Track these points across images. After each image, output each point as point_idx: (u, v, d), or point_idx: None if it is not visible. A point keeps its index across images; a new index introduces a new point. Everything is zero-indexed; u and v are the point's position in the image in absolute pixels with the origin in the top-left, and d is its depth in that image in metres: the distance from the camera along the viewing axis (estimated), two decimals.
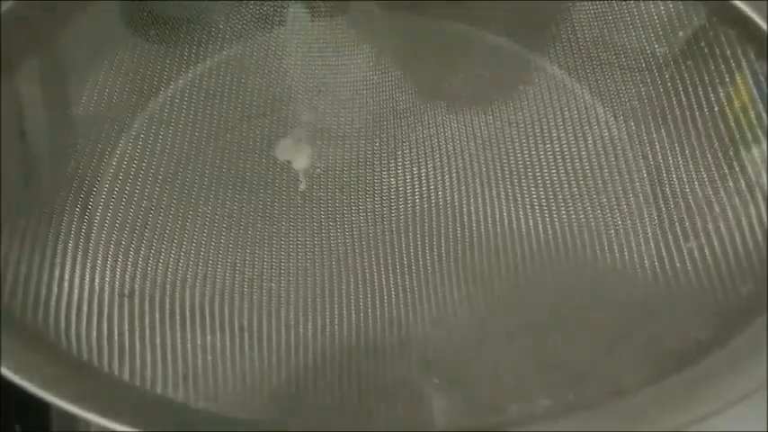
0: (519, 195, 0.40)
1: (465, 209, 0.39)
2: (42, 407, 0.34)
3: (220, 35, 0.43)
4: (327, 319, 0.33)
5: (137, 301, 0.31)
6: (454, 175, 0.41)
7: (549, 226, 0.38)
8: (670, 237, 0.34)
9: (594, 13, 0.42)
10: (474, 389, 0.29)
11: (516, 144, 0.42)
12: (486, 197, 0.40)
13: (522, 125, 0.42)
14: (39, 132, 0.34)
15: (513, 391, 0.28)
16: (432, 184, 0.41)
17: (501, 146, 0.42)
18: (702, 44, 0.37)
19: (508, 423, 0.25)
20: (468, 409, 0.28)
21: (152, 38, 0.41)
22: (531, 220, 0.38)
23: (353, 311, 0.33)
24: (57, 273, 0.30)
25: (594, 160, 0.40)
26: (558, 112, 0.42)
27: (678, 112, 0.38)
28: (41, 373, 0.21)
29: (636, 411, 0.24)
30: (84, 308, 0.29)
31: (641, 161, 0.39)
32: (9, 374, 0.21)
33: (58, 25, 0.36)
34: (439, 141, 0.42)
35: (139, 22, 0.41)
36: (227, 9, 0.43)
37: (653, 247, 0.35)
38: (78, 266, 0.31)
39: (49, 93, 0.36)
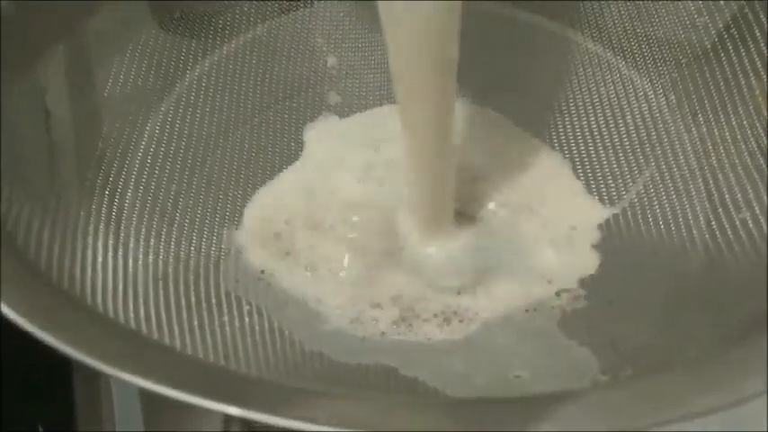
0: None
1: None
2: (67, 407, 0.34)
3: (245, 17, 0.42)
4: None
5: (171, 284, 0.30)
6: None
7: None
8: (720, 209, 0.33)
9: None
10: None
11: (552, 121, 0.41)
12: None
13: (557, 102, 0.41)
14: (66, 116, 0.34)
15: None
16: None
17: (537, 125, 0.41)
18: (747, 11, 0.36)
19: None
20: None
21: (177, 20, 0.40)
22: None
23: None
24: (90, 255, 0.29)
25: (635, 135, 0.39)
26: (594, 88, 0.41)
27: (722, 82, 0.36)
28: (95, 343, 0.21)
29: (693, 384, 0.23)
30: (120, 290, 0.28)
31: (685, 134, 0.37)
32: (68, 349, 0.20)
33: (83, 11, 0.36)
34: (473, 122, 0.41)
35: (164, 6, 0.40)
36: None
37: (702, 220, 0.33)
38: (111, 249, 0.30)
39: (76, 77, 0.35)
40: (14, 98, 0.31)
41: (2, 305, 0.21)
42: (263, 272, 0.34)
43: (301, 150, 0.40)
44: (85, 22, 0.36)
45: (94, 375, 0.34)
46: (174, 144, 0.37)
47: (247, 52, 0.41)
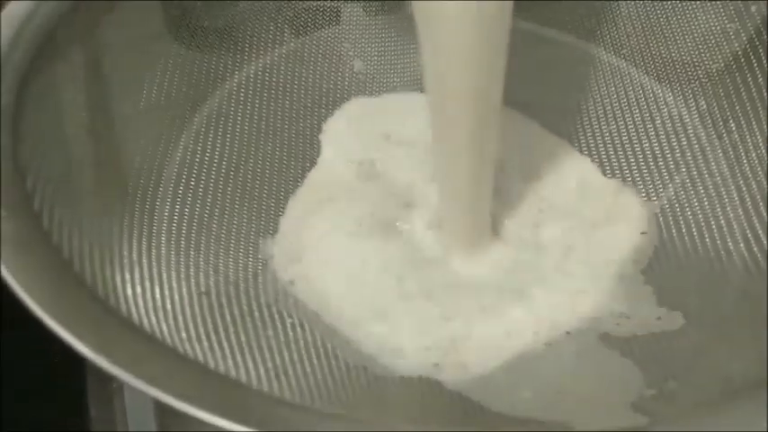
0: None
1: None
2: (80, 408, 0.34)
3: (271, 32, 0.42)
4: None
5: (214, 299, 0.31)
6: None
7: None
8: (755, 217, 0.33)
9: None
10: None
11: (580, 128, 0.41)
12: None
13: (586, 109, 0.41)
14: (102, 131, 0.34)
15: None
16: None
17: (566, 130, 0.41)
18: None
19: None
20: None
21: (206, 30, 0.40)
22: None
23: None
24: (137, 272, 0.29)
25: (665, 141, 0.39)
26: (624, 96, 0.41)
27: (754, 88, 0.36)
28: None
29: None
30: (169, 307, 0.28)
31: (716, 140, 0.37)
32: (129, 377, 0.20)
33: (112, 24, 0.36)
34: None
35: (192, 17, 0.40)
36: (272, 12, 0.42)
37: (736, 228, 0.34)
38: (155, 264, 0.30)
39: (110, 91, 0.35)
40: (48, 112, 0.32)
41: (68, 336, 0.21)
42: (292, 282, 0.34)
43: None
44: (114, 35, 0.36)
45: (107, 376, 0.34)
46: (207, 154, 0.37)
47: (281, 65, 0.42)
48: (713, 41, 0.39)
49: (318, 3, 0.44)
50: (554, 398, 0.28)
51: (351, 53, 0.44)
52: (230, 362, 0.26)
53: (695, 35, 0.40)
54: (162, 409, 0.33)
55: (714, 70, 0.39)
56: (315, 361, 0.29)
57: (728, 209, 0.35)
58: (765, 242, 0.32)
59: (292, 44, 0.42)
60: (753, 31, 0.38)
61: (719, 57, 0.39)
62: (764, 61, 0.37)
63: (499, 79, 0.29)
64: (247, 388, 0.24)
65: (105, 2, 0.35)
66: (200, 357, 0.25)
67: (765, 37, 0.37)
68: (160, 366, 0.21)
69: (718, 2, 0.39)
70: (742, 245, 0.33)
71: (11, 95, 0.28)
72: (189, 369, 0.23)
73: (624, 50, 0.42)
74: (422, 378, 0.29)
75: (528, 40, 0.41)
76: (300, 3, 0.43)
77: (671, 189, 0.37)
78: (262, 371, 0.26)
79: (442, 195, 0.34)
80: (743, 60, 0.38)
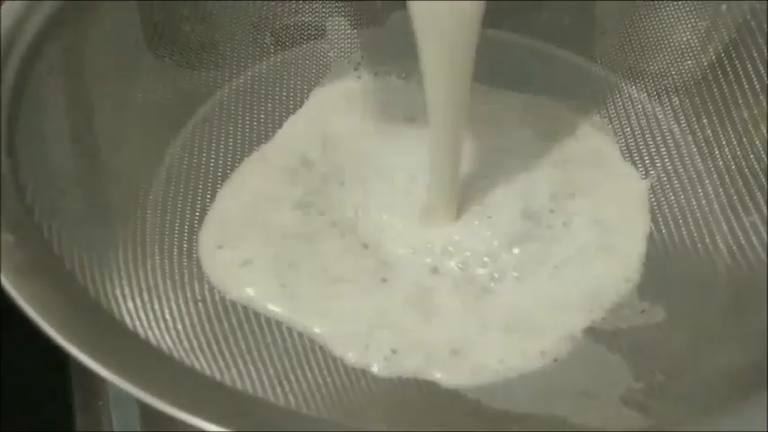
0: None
1: None
2: (64, 407, 0.34)
3: (259, 46, 0.42)
4: None
5: (210, 306, 0.31)
6: None
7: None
8: (730, 212, 0.35)
9: None
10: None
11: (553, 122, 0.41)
12: None
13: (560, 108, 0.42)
14: (92, 142, 0.34)
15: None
16: None
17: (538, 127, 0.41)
18: (749, 17, 0.37)
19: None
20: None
21: (189, 37, 0.40)
22: None
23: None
24: (135, 284, 0.29)
25: (640, 136, 0.40)
26: (598, 89, 0.42)
27: (725, 85, 0.38)
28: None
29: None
30: (168, 317, 0.28)
31: (689, 136, 0.39)
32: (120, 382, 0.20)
33: (98, 34, 0.35)
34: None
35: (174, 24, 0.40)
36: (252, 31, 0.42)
37: (712, 222, 0.35)
38: (150, 275, 0.31)
39: (99, 103, 0.35)
40: (39, 127, 0.32)
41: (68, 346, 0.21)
42: None
43: None
44: (100, 45, 0.36)
45: (92, 375, 0.34)
46: (195, 162, 0.37)
47: (257, 74, 0.42)
48: (684, 39, 0.40)
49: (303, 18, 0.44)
50: (547, 393, 0.29)
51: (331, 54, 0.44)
52: (234, 371, 0.26)
53: (667, 33, 0.41)
54: (146, 409, 0.33)
55: (686, 67, 0.40)
56: (314, 367, 0.29)
57: (704, 203, 0.36)
58: (741, 234, 0.34)
59: (280, 60, 0.42)
60: (723, 29, 0.39)
61: (691, 54, 0.40)
62: (734, 58, 0.38)
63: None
64: (254, 398, 0.24)
65: (91, 2, 0.35)
66: (206, 368, 0.25)
67: (736, 35, 0.38)
68: (173, 381, 0.22)
69: (689, 1, 0.40)
70: (718, 237, 0.34)
71: (4, 110, 0.28)
72: (198, 383, 0.23)
73: (596, 50, 0.43)
74: (419, 379, 0.30)
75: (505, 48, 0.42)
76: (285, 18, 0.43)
77: (647, 184, 0.38)
78: (264, 378, 0.27)
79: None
80: (713, 57, 0.39)
